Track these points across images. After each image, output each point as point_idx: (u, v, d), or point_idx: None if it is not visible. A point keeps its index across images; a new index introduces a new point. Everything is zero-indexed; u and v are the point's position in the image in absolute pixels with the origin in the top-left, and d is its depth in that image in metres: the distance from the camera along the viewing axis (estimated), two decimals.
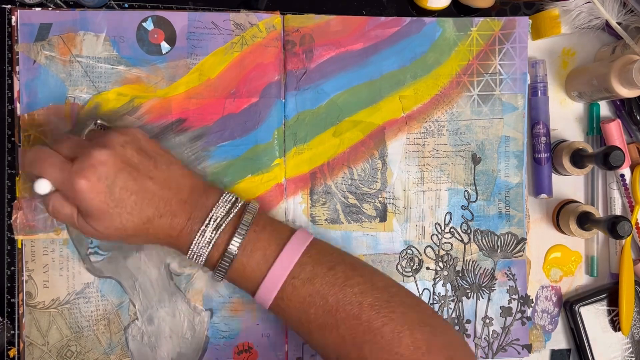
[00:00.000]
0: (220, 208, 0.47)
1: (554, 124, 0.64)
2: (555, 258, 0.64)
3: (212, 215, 0.46)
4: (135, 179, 0.45)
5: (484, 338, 0.61)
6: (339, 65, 0.59)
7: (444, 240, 0.60)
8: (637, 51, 0.58)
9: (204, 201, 0.47)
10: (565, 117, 0.65)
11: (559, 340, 0.64)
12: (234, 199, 0.48)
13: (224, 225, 0.46)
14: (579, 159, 0.61)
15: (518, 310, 0.61)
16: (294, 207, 0.58)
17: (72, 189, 0.43)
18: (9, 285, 0.55)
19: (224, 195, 0.48)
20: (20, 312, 0.55)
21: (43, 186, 0.44)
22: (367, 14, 0.61)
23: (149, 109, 0.56)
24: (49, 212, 0.46)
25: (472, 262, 0.61)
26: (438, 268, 0.60)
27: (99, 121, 0.51)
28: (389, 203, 0.60)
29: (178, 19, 0.56)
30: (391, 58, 0.59)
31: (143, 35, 0.56)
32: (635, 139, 0.65)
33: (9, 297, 0.55)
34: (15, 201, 0.55)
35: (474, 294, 0.61)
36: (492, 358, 0.61)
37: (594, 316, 0.63)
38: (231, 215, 0.47)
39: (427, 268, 0.60)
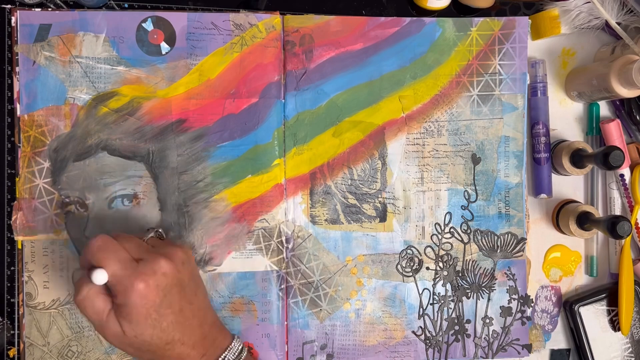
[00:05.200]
0: (232, 352, 0.50)
1: (553, 124, 0.64)
2: (555, 258, 0.64)
3: (225, 357, 0.49)
4: (180, 299, 0.46)
5: (484, 338, 0.61)
6: (339, 66, 0.59)
7: (443, 240, 0.60)
8: (636, 51, 0.58)
9: (220, 341, 0.50)
10: (565, 117, 0.65)
11: (559, 340, 0.64)
12: (241, 346, 0.51)
13: None
14: (578, 159, 0.61)
15: (518, 310, 0.61)
16: (294, 208, 0.58)
17: (130, 287, 0.43)
18: (8, 285, 0.56)
19: (235, 339, 0.51)
20: (20, 312, 0.55)
21: (102, 277, 0.44)
22: (367, 14, 0.61)
23: (149, 109, 0.56)
24: (76, 300, 0.45)
25: (472, 262, 0.61)
26: (438, 268, 0.60)
27: (160, 230, 0.52)
28: (388, 203, 0.60)
29: (177, 19, 0.56)
30: (391, 58, 0.59)
31: (143, 36, 0.56)
32: (634, 139, 0.65)
33: (8, 297, 0.56)
34: (15, 202, 0.55)
35: (474, 294, 0.61)
36: (492, 358, 0.61)
37: (593, 316, 0.63)
38: None
39: (427, 268, 0.60)
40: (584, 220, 0.60)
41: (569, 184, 0.65)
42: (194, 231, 0.57)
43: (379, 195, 0.60)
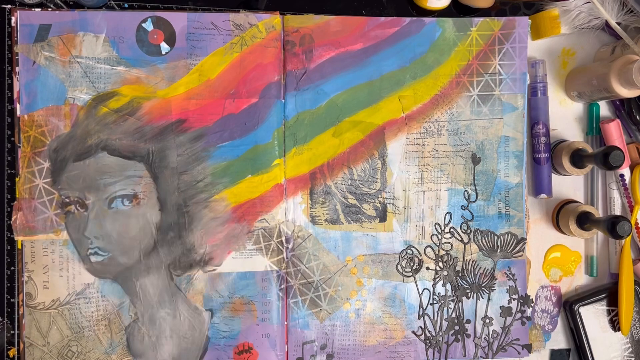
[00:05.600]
0: None
1: (553, 124, 0.64)
2: (555, 258, 0.64)
3: None
4: None
5: (484, 338, 0.61)
6: (339, 66, 0.59)
7: (443, 240, 0.60)
8: (636, 51, 0.58)
9: None
10: (565, 117, 0.65)
11: (559, 340, 0.64)
12: None
13: None
14: (578, 159, 0.61)
15: (518, 310, 0.61)
16: (294, 208, 0.58)
17: None
18: (8, 285, 0.56)
19: None
20: (20, 312, 0.55)
21: None
22: (366, 14, 0.61)
23: (149, 109, 0.56)
24: None
25: (472, 262, 0.61)
26: (438, 268, 0.60)
27: None
28: (388, 203, 0.60)
29: (177, 19, 0.56)
30: (391, 58, 0.59)
31: (142, 36, 0.56)
32: (634, 139, 0.65)
33: (8, 297, 0.56)
34: (15, 202, 0.55)
35: (474, 294, 0.61)
36: (492, 358, 0.61)
37: (593, 316, 0.63)
38: None
39: (427, 268, 0.60)
40: (584, 220, 0.60)
41: (569, 184, 0.65)
42: (194, 231, 0.57)
43: (379, 195, 0.60)
